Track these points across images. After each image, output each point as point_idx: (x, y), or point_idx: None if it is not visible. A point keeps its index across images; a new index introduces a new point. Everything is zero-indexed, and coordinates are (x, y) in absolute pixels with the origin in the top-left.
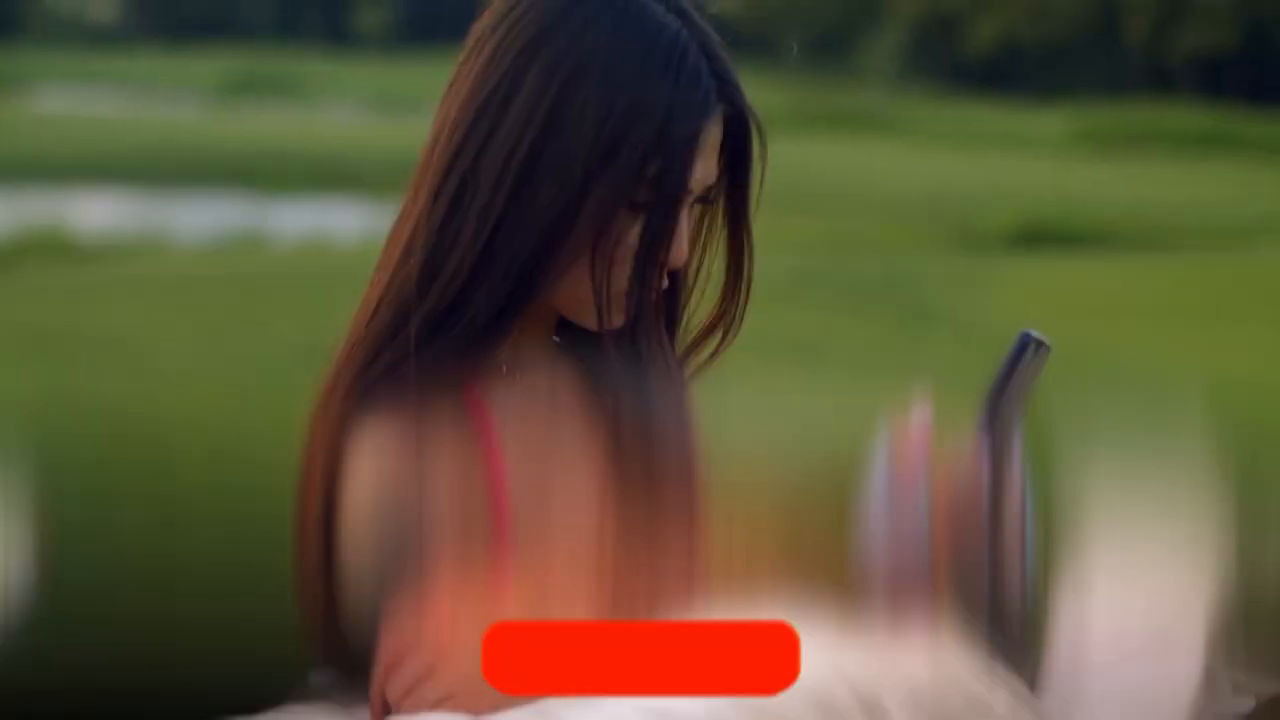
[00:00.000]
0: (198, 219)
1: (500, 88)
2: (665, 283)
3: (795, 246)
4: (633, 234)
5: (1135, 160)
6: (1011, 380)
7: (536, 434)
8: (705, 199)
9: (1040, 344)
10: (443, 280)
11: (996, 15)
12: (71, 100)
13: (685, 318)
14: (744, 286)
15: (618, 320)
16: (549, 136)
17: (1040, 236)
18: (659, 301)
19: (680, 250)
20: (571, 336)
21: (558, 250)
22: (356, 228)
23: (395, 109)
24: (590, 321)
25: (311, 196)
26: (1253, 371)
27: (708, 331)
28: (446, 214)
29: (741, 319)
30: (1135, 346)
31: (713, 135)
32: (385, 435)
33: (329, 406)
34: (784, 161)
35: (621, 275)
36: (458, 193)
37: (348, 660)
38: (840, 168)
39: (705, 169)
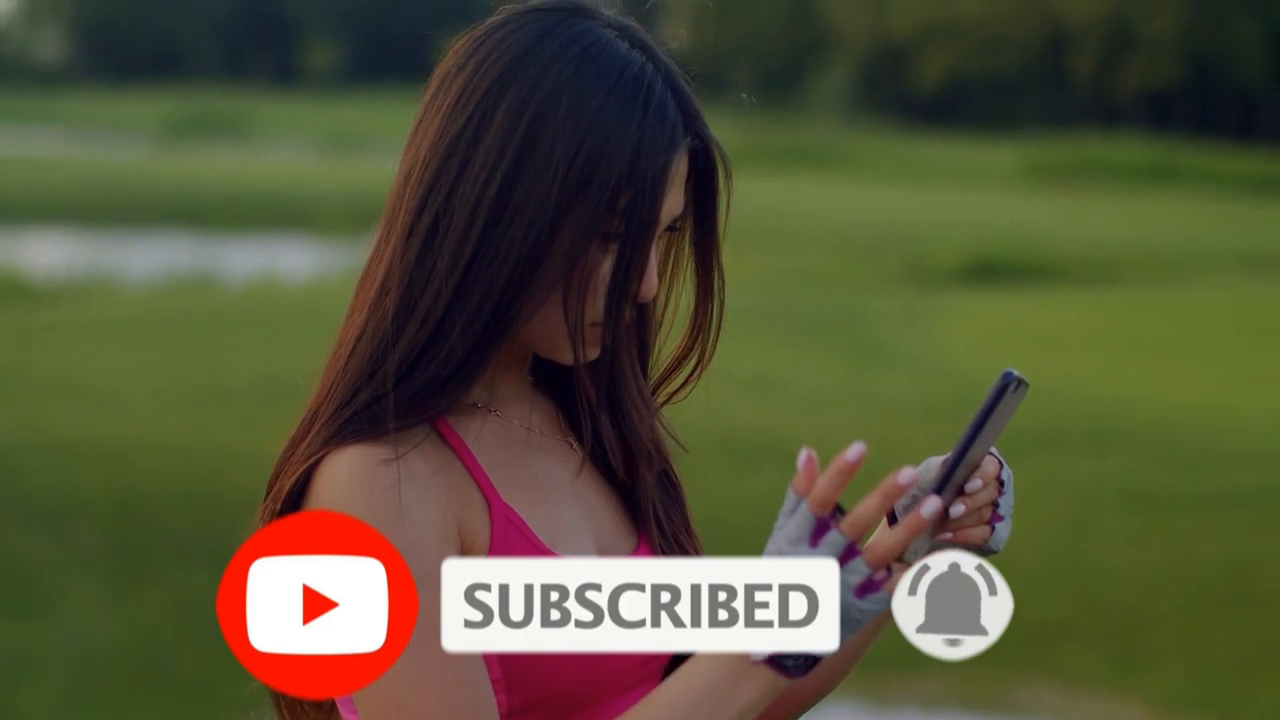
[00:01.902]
0: (147, 259)
1: (469, 126)
2: (634, 314)
3: (747, 283)
4: (605, 266)
5: (1083, 193)
6: (992, 415)
7: (514, 469)
8: (674, 228)
9: (1021, 382)
10: (418, 318)
11: (944, 51)
12: (19, 141)
13: (655, 349)
14: (715, 316)
15: (592, 353)
16: (519, 173)
17: (989, 270)
18: (630, 333)
19: (651, 282)
20: (545, 374)
21: (531, 284)
22: (305, 266)
23: (343, 147)
24: (564, 355)
25: (260, 235)
26: (1198, 400)
27: (679, 361)
28: (420, 252)
29: (714, 348)
30: (1083, 378)
31: (680, 168)
32: (368, 465)
33: (303, 445)
34: (734, 198)
35: (594, 307)
36: (430, 231)
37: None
38: (790, 203)
39: (674, 201)
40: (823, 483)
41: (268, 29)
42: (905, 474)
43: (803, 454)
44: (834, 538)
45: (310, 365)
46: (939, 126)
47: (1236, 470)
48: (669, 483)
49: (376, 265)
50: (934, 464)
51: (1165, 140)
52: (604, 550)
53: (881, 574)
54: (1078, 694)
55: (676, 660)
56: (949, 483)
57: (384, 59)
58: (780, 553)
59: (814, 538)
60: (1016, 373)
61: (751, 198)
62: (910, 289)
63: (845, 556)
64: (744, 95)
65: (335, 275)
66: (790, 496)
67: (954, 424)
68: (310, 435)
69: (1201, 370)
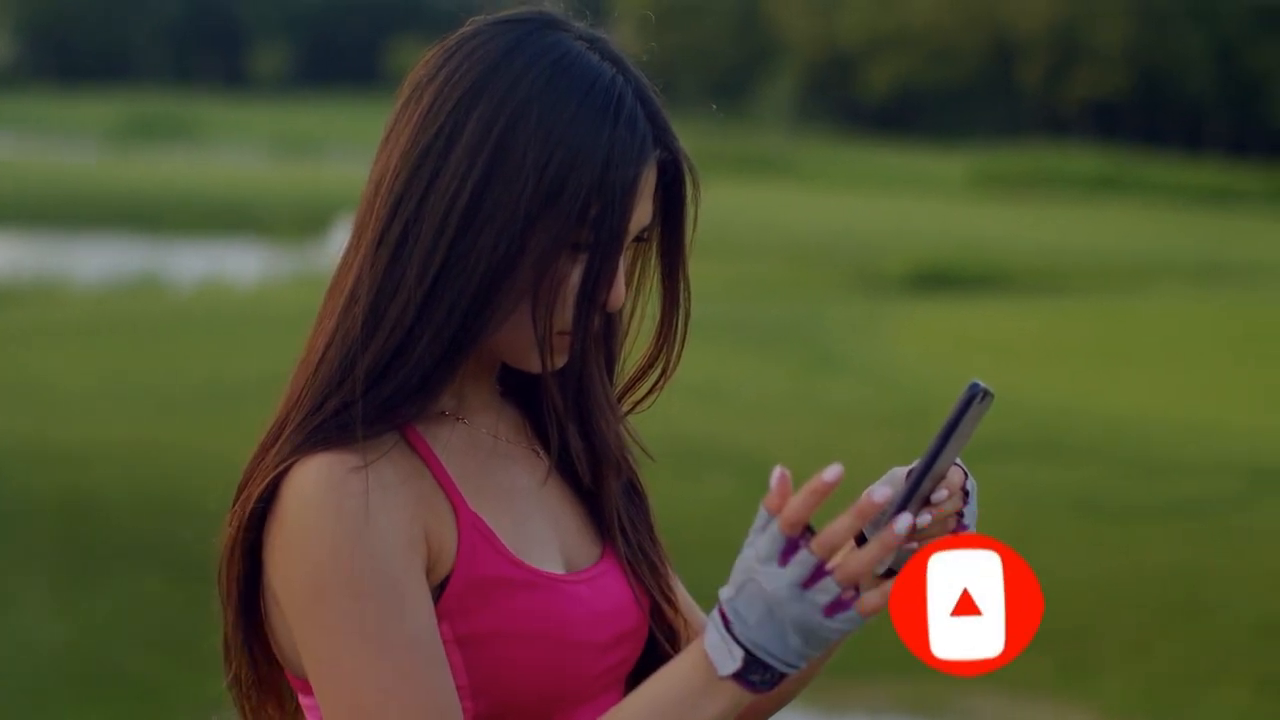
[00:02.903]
0: (96, 262)
1: (440, 136)
2: (602, 323)
3: (696, 291)
4: (573, 276)
5: (1032, 203)
6: (959, 426)
7: (482, 477)
8: (641, 238)
9: (986, 393)
10: (387, 326)
11: (892, 60)
12: None
13: (622, 357)
14: (681, 324)
15: (559, 361)
16: (490, 183)
17: (939, 279)
18: (597, 343)
19: (619, 291)
20: (513, 383)
21: (500, 293)
22: (254, 269)
23: (291, 151)
24: (532, 364)
25: (209, 239)
26: (1147, 409)
27: (644, 371)
28: (390, 261)
29: (679, 356)
30: (1033, 387)
31: (650, 179)
32: (337, 472)
33: (273, 452)
34: None
35: (562, 317)
36: (400, 240)
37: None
38: (739, 212)
39: (643, 212)
40: (795, 502)
41: (216, 33)
42: (879, 492)
43: (776, 472)
44: (804, 557)
45: (259, 368)
46: (888, 135)
47: (1185, 479)
48: (634, 491)
49: (346, 273)
50: (899, 474)
51: (1113, 151)
52: (569, 559)
53: (850, 593)
54: (1025, 701)
55: (640, 668)
56: (916, 494)
57: (332, 64)
58: (749, 570)
59: (783, 557)
60: (983, 384)
61: (701, 206)
62: (860, 298)
63: (814, 577)
64: (713, 106)
65: (283, 279)
66: (761, 514)
67: (903, 432)
68: (279, 442)
69: (1150, 379)
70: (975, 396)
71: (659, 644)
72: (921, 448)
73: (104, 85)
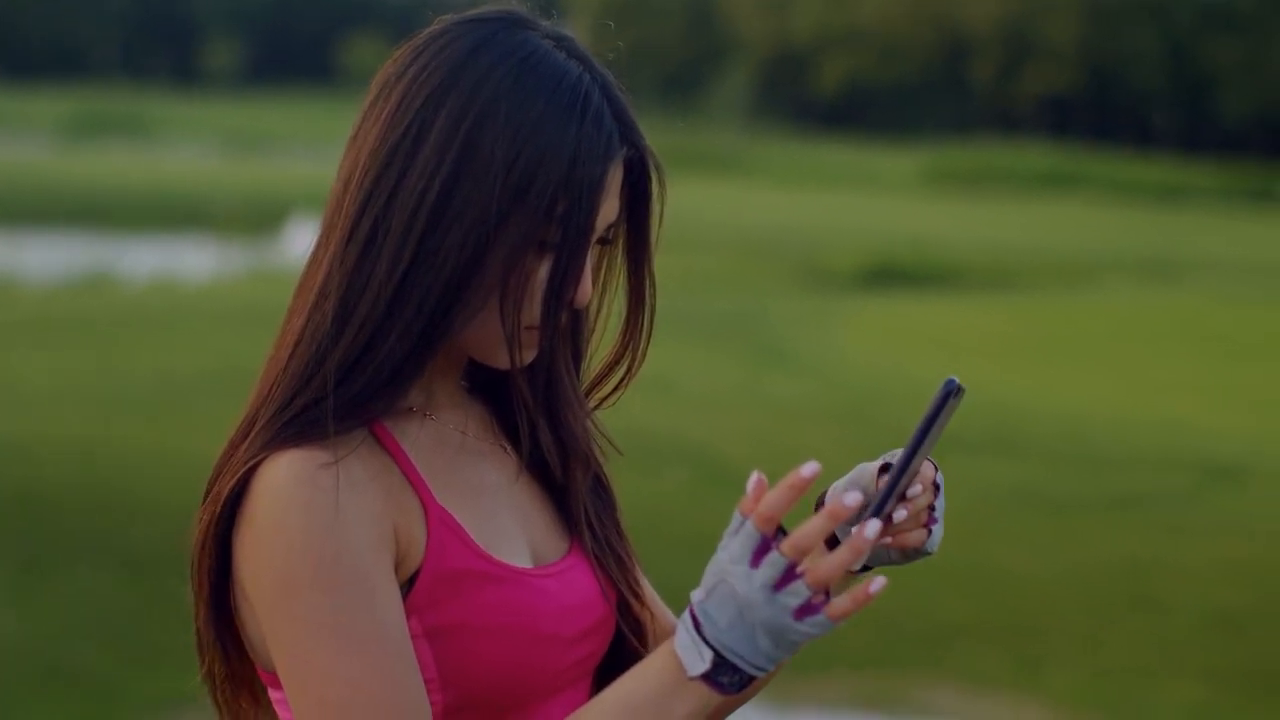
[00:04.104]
0: (46, 259)
1: (408, 134)
2: (569, 319)
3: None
4: (541, 272)
5: (982, 199)
6: (937, 420)
7: (450, 473)
8: (606, 239)
9: (961, 389)
10: (356, 322)
11: (844, 57)
12: None
13: (588, 354)
14: (647, 320)
15: (528, 357)
16: (458, 180)
17: (889, 275)
18: (565, 339)
19: (586, 288)
20: (480, 379)
21: (468, 290)
22: (205, 266)
23: (243, 148)
24: (500, 361)
25: (160, 235)
26: (1096, 405)
27: (611, 367)
28: (359, 258)
29: (645, 353)
30: (983, 382)
31: (616, 176)
32: (307, 468)
33: (243, 448)
34: None
35: (530, 313)
36: (369, 237)
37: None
38: (690, 207)
39: (609, 209)
40: (771, 498)
41: (168, 29)
42: (852, 496)
43: (753, 477)
44: (774, 558)
45: (211, 365)
46: (839, 132)
47: (1134, 474)
48: (600, 486)
49: (315, 270)
50: (868, 471)
51: (1064, 147)
52: (537, 553)
53: (820, 597)
54: (977, 695)
55: (608, 663)
56: (894, 492)
57: (284, 60)
58: (721, 572)
59: (755, 558)
60: (957, 380)
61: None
62: (810, 293)
63: (785, 579)
64: (666, 100)
65: (235, 275)
66: (736, 517)
67: (853, 427)
68: (249, 438)
69: (1100, 375)
70: (952, 392)
71: (626, 637)
72: (871, 443)
73: (55, 81)
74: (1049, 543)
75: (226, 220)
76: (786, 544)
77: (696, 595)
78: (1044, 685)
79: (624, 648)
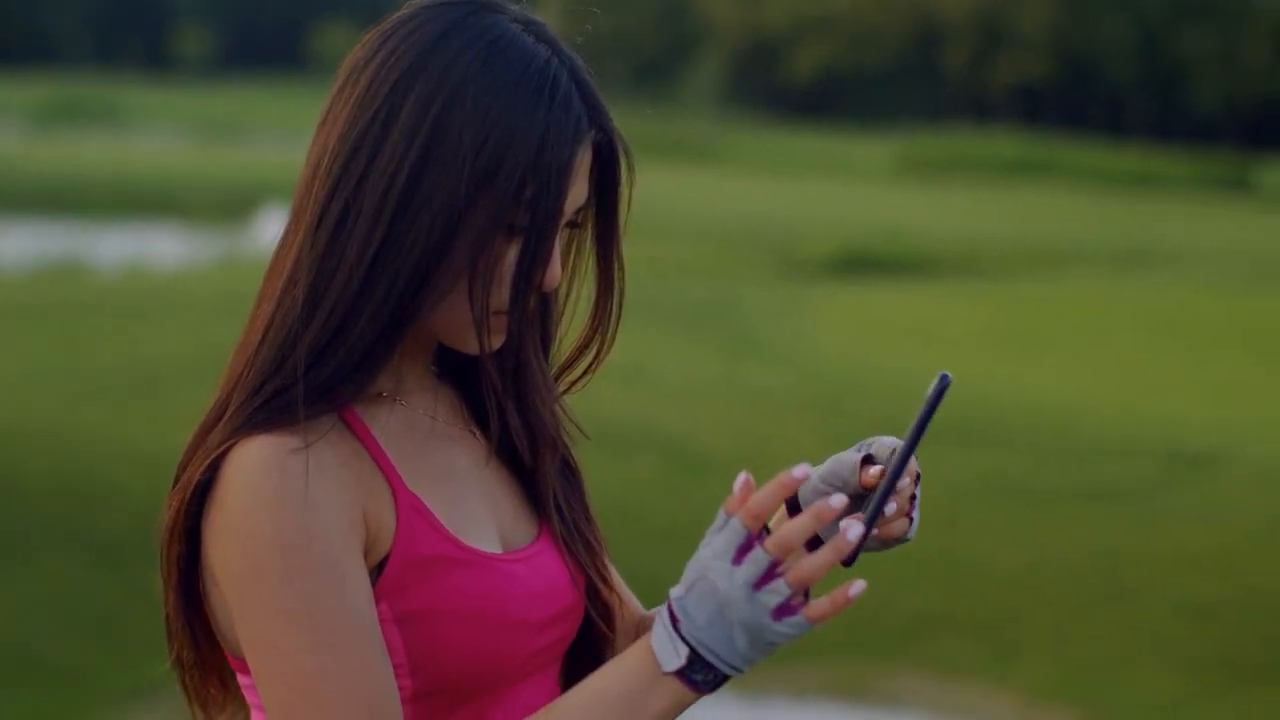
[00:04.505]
0: (17, 246)
1: (377, 119)
2: (538, 303)
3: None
4: (510, 256)
5: (955, 187)
6: (934, 413)
7: (420, 458)
8: (574, 223)
9: (951, 382)
10: (326, 306)
11: (817, 44)
12: None
13: (557, 338)
14: (615, 305)
15: (497, 342)
16: (427, 164)
17: (862, 263)
18: (533, 323)
19: (555, 271)
20: (449, 364)
21: (437, 274)
22: (176, 254)
23: (214, 135)
24: (470, 345)
25: (131, 223)
26: (1069, 394)
27: (580, 351)
28: (329, 242)
29: (614, 337)
30: (955, 371)
31: (585, 160)
32: (277, 454)
33: (214, 433)
34: None
35: (499, 297)
36: (339, 221)
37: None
38: (663, 195)
39: (578, 192)
40: (760, 496)
41: (139, 16)
42: (838, 499)
43: (741, 477)
44: (757, 556)
45: (181, 352)
46: (812, 120)
47: (1105, 464)
48: (569, 470)
49: (285, 255)
50: (846, 461)
51: (1036, 135)
52: (506, 538)
53: (799, 598)
54: (948, 684)
55: (576, 648)
56: (892, 491)
57: (256, 47)
58: (702, 568)
59: (739, 554)
60: (950, 375)
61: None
62: (783, 281)
63: (766, 578)
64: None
65: (206, 263)
66: (720, 515)
67: (826, 416)
68: (220, 424)
69: (1070, 364)
70: (947, 388)
71: (594, 622)
72: (846, 431)
73: (26, 68)
74: (1021, 532)
75: (198, 207)
76: (770, 542)
77: (676, 591)
78: (1016, 674)
79: (592, 632)
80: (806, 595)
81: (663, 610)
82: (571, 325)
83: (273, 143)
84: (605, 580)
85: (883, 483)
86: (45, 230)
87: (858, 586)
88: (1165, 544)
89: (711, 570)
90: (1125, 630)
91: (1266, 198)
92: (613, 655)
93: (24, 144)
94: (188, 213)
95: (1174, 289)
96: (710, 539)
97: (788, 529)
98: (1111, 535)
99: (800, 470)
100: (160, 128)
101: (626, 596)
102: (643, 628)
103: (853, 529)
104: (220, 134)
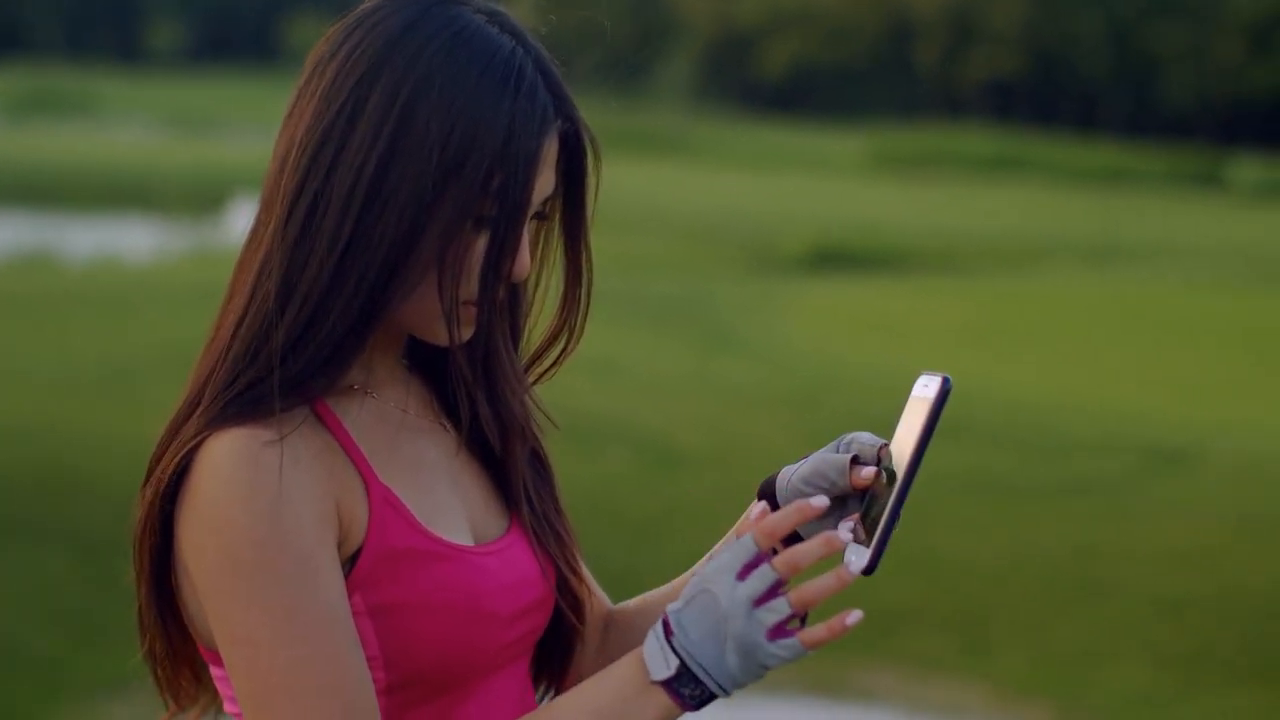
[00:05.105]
0: None
1: (343, 112)
2: (507, 294)
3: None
4: (478, 247)
5: (928, 183)
6: (939, 420)
7: (391, 451)
8: (542, 214)
9: (952, 387)
10: (298, 300)
11: (789, 39)
12: None
13: (526, 329)
14: (584, 295)
15: (466, 333)
16: (394, 156)
17: (835, 258)
18: (502, 314)
19: (524, 261)
20: (419, 357)
21: (407, 265)
22: (148, 246)
23: (187, 127)
24: (440, 336)
25: (102, 215)
26: (1042, 389)
27: (550, 341)
28: (299, 236)
29: (583, 327)
30: (927, 366)
31: (551, 149)
32: (251, 446)
33: (186, 426)
34: None
35: (468, 287)
36: (308, 214)
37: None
38: (635, 189)
39: (545, 182)
40: (775, 516)
41: (112, 7)
42: (844, 529)
43: (757, 505)
44: (764, 571)
45: (153, 345)
46: (784, 115)
47: (1080, 459)
48: (539, 461)
49: (254, 249)
50: (833, 462)
51: (1009, 131)
52: (477, 531)
53: (795, 623)
54: (922, 678)
55: (546, 640)
56: (904, 503)
57: (228, 40)
58: (704, 581)
59: (745, 570)
60: (951, 378)
61: (599, 183)
62: (755, 276)
63: (767, 595)
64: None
65: (178, 255)
66: (730, 535)
67: (798, 412)
68: (193, 418)
69: (1045, 360)
70: (949, 392)
71: (564, 614)
72: (818, 427)
73: None
74: (995, 527)
75: (169, 200)
76: (779, 560)
77: (673, 606)
78: (990, 669)
79: (562, 625)
80: (803, 622)
81: (658, 622)
82: (540, 317)
83: (245, 135)
84: (575, 572)
85: (894, 496)
86: (16, 221)
87: (854, 616)
88: (1142, 539)
89: (714, 583)
90: (1102, 625)
91: (1239, 194)
92: (582, 647)
93: None
94: (160, 204)
95: (1148, 285)
96: (718, 551)
97: (799, 550)
98: (1088, 530)
99: (820, 501)
100: (133, 119)
101: (594, 590)
102: (610, 622)
103: (855, 564)
104: (193, 126)
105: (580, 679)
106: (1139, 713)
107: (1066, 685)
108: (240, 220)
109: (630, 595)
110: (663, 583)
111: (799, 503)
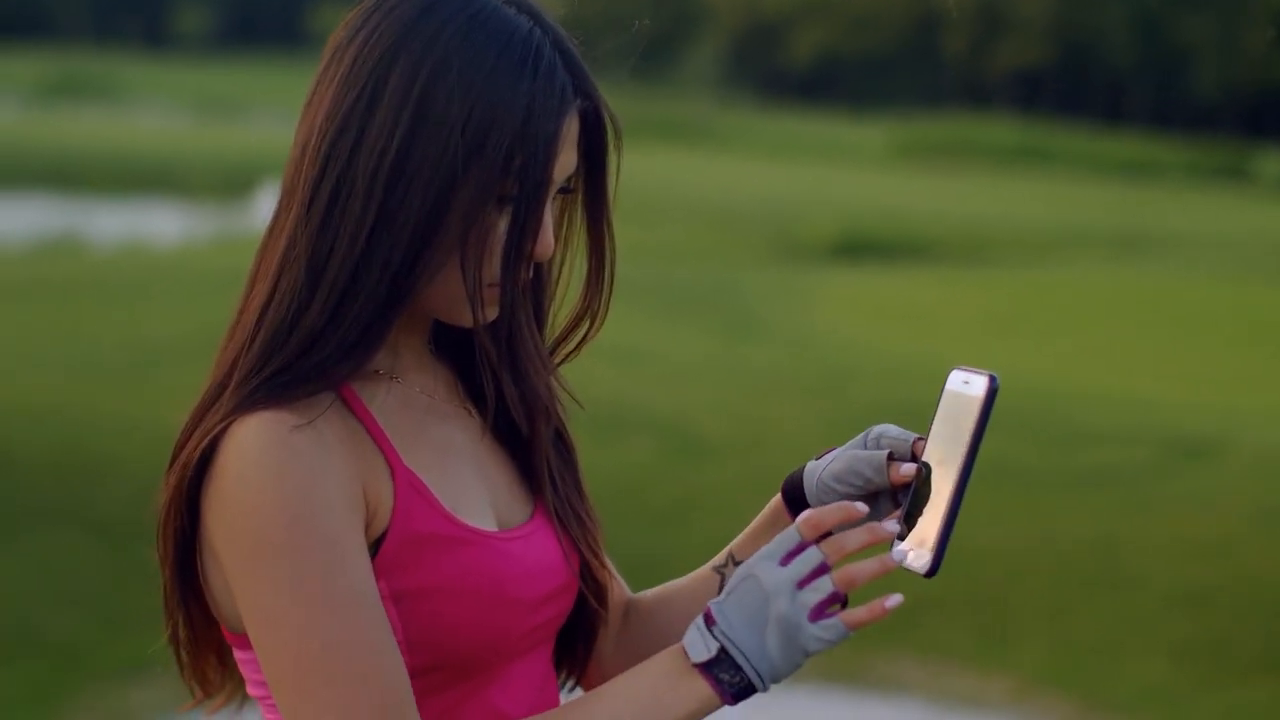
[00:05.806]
0: (15, 222)
1: (363, 97)
2: (530, 275)
3: (618, 255)
4: (501, 228)
5: (953, 172)
6: (988, 421)
7: (416, 435)
8: (567, 189)
9: (999, 386)
10: (324, 286)
11: (816, 28)
12: None
13: (551, 313)
14: (608, 275)
15: (491, 314)
16: (414, 140)
17: (859, 247)
18: (526, 295)
19: (547, 241)
20: (444, 343)
21: (431, 247)
22: (174, 230)
23: (213, 112)
24: (464, 319)
25: (129, 199)
26: (1066, 379)
27: (576, 322)
28: (322, 222)
29: (607, 308)
30: (952, 356)
31: (572, 128)
32: (279, 430)
33: (213, 411)
34: None
35: (491, 268)
36: (331, 200)
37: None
38: (661, 177)
39: (566, 161)
40: (824, 510)
41: None
42: (890, 524)
43: (806, 514)
44: (809, 554)
45: (178, 330)
46: (810, 103)
47: (1104, 449)
48: (563, 444)
49: (277, 237)
50: (868, 459)
51: (1035, 121)
52: (501, 516)
53: (836, 606)
54: (943, 669)
55: (569, 625)
56: (959, 506)
57: (254, 24)
58: (749, 568)
59: (787, 557)
60: (998, 377)
61: (622, 170)
62: (780, 265)
63: (812, 575)
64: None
65: (204, 240)
66: (750, 530)
67: (823, 400)
68: (219, 402)
69: (1070, 349)
70: (996, 391)
71: (587, 600)
72: (843, 416)
73: (24, 43)
74: (1016, 517)
75: (195, 185)
76: (827, 542)
77: (715, 599)
78: (1009, 660)
79: (585, 610)
80: (844, 606)
81: (700, 615)
82: (565, 300)
83: (271, 120)
84: (599, 557)
85: (950, 496)
86: (43, 206)
87: (895, 599)
88: (1163, 531)
89: (758, 568)
90: (1121, 617)
91: (1265, 186)
92: (605, 632)
93: (22, 120)
94: (186, 190)
95: (1172, 276)
96: (764, 547)
97: (847, 534)
98: (1109, 522)
99: (862, 507)
100: (159, 104)
101: (614, 577)
102: (630, 610)
103: (896, 553)
104: (219, 111)
105: (600, 666)
106: (1159, 704)
107: (1086, 676)
108: (266, 206)
109: (652, 583)
110: (685, 571)
111: (844, 504)
